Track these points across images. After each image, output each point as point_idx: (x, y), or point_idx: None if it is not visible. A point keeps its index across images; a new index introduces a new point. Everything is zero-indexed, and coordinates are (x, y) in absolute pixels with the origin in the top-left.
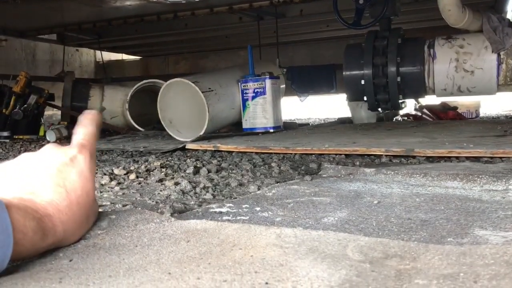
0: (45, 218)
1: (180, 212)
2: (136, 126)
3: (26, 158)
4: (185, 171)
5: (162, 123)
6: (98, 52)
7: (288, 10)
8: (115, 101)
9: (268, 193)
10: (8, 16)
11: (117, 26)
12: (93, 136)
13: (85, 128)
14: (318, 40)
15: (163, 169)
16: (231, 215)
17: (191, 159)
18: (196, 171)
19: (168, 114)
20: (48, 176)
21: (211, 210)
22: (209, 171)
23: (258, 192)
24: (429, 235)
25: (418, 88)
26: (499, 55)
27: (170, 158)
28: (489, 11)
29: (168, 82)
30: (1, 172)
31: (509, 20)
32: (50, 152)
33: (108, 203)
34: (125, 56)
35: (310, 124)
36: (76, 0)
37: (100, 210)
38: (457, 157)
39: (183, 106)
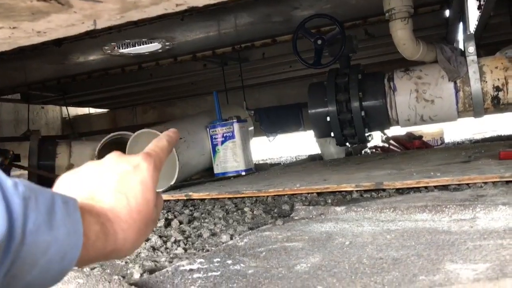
0: (107, 223)
1: (151, 272)
2: None
3: (89, 166)
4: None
5: None
6: (64, 108)
7: (251, 54)
8: (84, 156)
9: (240, 242)
10: None
11: (82, 81)
12: (163, 149)
13: (157, 141)
14: (283, 81)
15: None
16: (202, 272)
17: (162, 211)
18: (168, 223)
19: None
20: (109, 182)
21: (182, 268)
22: (180, 223)
23: (230, 242)
24: (401, 275)
25: (383, 120)
26: (455, 83)
27: None
28: (441, 42)
29: (135, 134)
30: (64, 179)
31: (460, 49)
32: (113, 160)
33: None
34: (92, 110)
35: (282, 163)
36: (39, 59)
37: None
38: (425, 187)
39: None
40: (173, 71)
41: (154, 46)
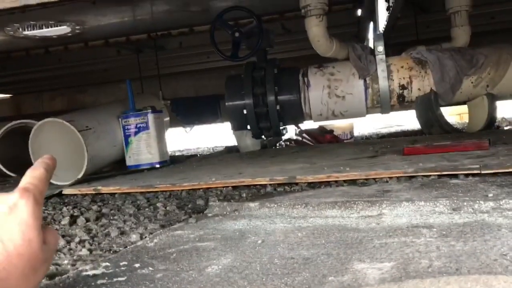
0: None
1: (51, 277)
2: (7, 171)
3: None
4: (60, 222)
5: None
6: None
7: (168, 43)
8: None
9: (150, 243)
10: None
11: None
12: (41, 179)
13: (33, 170)
14: (201, 71)
15: None
16: (106, 278)
17: (67, 207)
18: (73, 221)
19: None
20: None
21: (84, 273)
22: (87, 220)
23: (140, 242)
24: (311, 276)
25: (297, 114)
26: (365, 80)
27: (44, 207)
28: (353, 40)
29: (40, 123)
30: None
31: (370, 48)
32: None
33: None
34: None
35: (199, 154)
36: None
37: None
38: (335, 181)
39: (59, 147)
40: (84, 56)
41: (63, 30)
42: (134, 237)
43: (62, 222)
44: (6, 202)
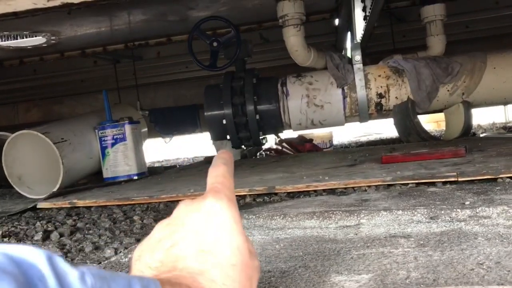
0: None
1: None
2: None
3: (160, 229)
4: (32, 238)
5: (9, 180)
6: None
7: (145, 53)
8: None
9: (125, 258)
10: None
11: None
12: (225, 175)
13: (214, 169)
14: (179, 81)
15: (5, 239)
16: None
17: (41, 222)
18: (46, 236)
19: (16, 170)
20: (188, 242)
21: None
22: (61, 235)
23: (114, 258)
24: None
25: (276, 124)
26: (343, 89)
27: (17, 222)
28: (331, 49)
29: (13, 135)
30: (138, 252)
31: (348, 57)
32: (183, 213)
33: None
34: None
35: (178, 165)
36: None
37: None
38: (315, 190)
39: (35, 159)
40: (60, 67)
41: (38, 40)
42: (108, 252)
43: (35, 238)
44: (201, 209)
